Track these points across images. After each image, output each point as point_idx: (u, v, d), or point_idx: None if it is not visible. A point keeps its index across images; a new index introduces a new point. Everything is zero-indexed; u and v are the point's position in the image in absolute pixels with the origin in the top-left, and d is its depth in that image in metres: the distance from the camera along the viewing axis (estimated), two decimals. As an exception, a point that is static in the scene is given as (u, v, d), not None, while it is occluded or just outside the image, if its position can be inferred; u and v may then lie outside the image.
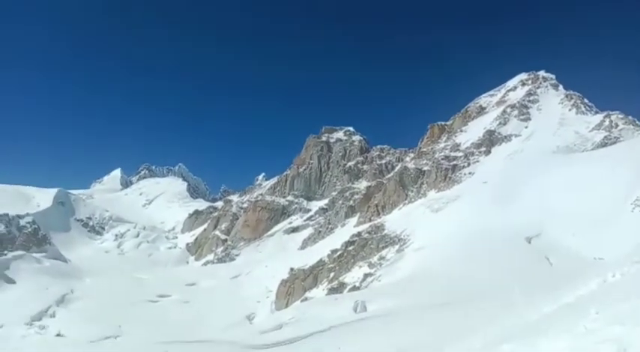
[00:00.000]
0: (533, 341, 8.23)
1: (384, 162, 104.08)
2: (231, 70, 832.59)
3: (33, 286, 76.86)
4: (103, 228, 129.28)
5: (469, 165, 74.33)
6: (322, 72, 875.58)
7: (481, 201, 57.25)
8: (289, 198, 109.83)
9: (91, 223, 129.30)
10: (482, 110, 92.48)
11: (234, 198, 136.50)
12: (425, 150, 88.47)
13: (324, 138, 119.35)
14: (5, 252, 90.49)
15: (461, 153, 78.51)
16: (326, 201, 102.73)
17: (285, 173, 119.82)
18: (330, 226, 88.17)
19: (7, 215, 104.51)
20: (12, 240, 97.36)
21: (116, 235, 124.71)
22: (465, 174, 72.12)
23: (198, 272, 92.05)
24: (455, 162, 76.11)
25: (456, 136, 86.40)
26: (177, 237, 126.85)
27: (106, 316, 63.86)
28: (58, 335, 60.94)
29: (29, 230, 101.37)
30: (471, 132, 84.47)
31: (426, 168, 79.80)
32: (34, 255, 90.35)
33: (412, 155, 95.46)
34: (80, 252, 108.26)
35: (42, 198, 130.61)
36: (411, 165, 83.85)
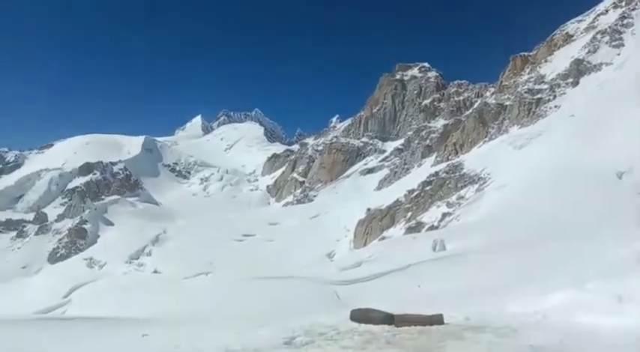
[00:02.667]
0: (622, 279, 8.00)
1: (462, 98, 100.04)
2: (301, 11, 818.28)
3: (129, 227, 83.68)
4: (189, 173, 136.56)
5: (555, 97, 69.66)
6: (394, 8, 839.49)
7: (568, 135, 53.94)
8: (364, 139, 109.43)
9: (177, 168, 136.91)
10: (569, 38, 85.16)
11: (310, 141, 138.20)
12: (506, 83, 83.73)
13: (397, 77, 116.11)
14: (102, 197, 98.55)
15: (546, 86, 73.57)
16: (401, 141, 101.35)
17: (359, 114, 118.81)
18: (406, 166, 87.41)
19: (101, 163, 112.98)
20: (107, 185, 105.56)
21: (201, 179, 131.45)
22: (550, 108, 67.83)
23: (279, 213, 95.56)
24: (539, 96, 71.61)
25: (540, 67, 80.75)
26: (257, 180, 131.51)
27: (197, 254, 68.62)
28: (154, 271, 66.68)
29: (122, 176, 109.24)
30: (556, 63, 78.46)
31: (507, 102, 75.89)
32: (128, 199, 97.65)
33: (492, 90, 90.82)
34: (169, 196, 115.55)
35: (131, 145, 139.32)
36: (491, 101, 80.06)
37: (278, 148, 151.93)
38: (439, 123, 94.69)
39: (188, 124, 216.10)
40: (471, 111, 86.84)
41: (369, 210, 68.95)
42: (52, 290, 60.16)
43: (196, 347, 8.31)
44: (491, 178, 54.70)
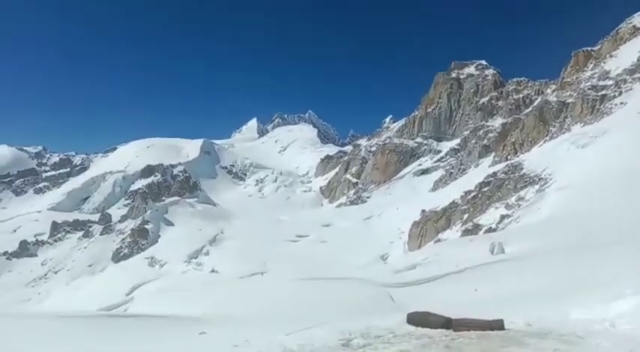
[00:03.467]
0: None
1: (521, 96, 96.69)
2: (354, 12, 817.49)
3: (188, 228, 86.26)
4: (245, 174, 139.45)
5: (620, 94, 66.04)
6: (448, 5, 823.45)
7: (635, 134, 51.06)
8: (418, 139, 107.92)
9: (234, 170, 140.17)
10: (636, 31, 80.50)
11: (363, 141, 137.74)
12: (568, 80, 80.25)
13: (453, 75, 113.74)
14: (163, 198, 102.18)
15: (611, 82, 69.89)
16: (457, 141, 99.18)
17: (412, 114, 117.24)
18: (462, 167, 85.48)
19: (162, 165, 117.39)
20: (168, 187, 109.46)
21: (257, 180, 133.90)
22: (615, 105, 64.37)
23: (333, 214, 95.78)
24: (604, 92, 68.13)
25: (604, 63, 76.85)
26: (311, 181, 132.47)
27: (252, 254, 69.82)
28: (212, 271, 68.38)
29: (181, 178, 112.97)
30: (622, 57, 74.35)
31: (569, 100, 72.73)
32: (187, 200, 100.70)
33: (554, 87, 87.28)
34: (226, 197, 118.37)
35: (190, 148, 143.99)
36: (552, 98, 76.98)
37: (331, 149, 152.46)
38: (497, 122, 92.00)
39: (244, 127, 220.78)
40: (530, 109, 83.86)
41: (423, 211, 67.89)
42: (115, 288, 62.93)
43: (254, 345, 8.44)
44: (553, 179, 52.60)
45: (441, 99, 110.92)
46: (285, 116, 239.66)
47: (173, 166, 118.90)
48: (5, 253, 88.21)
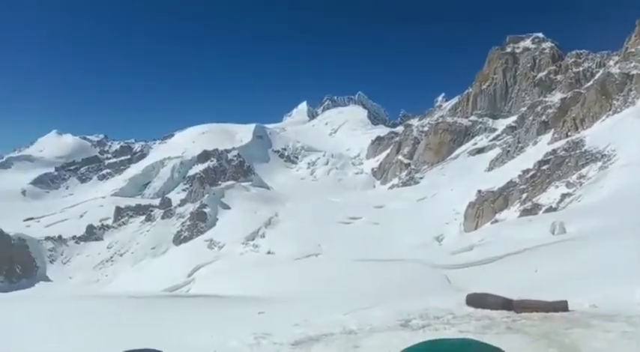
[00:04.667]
0: None
1: (581, 69, 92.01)
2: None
3: (244, 211, 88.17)
4: (297, 157, 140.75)
5: (694, 63, 61.77)
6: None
7: None
8: (472, 117, 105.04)
9: (286, 153, 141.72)
10: None
11: (414, 121, 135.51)
12: (632, 50, 75.54)
13: (508, 49, 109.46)
14: (219, 182, 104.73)
15: (683, 50, 65.42)
16: (514, 118, 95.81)
17: (466, 91, 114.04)
18: (519, 145, 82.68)
19: (217, 150, 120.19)
20: (223, 172, 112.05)
21: (308, 163, 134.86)
22: (687, 75, 60.30)
23: (385, 196, 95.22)
24: (674, 61, 63.93)
25: (675, 29, 71.90)
26: (362, 163, 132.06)
27: (307, 236, 70.67)
28: (268, 252, 69.79)
29: (236, 162, 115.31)
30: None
31: (634, 71, 68.63)
32: (242, 184, 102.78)
33: (617, 58, 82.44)
34: (279, 180, 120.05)
35: (243, 133, 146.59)
36: (615, 70, 72.84)
37: (382, 131, 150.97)
38: (556, 97, 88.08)
39: (294, 110, 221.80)
40: (592, 82, 79.77)
41: (479, 192, 66.36)
42: (177, 269, 65.46)
43: (313, 324, 8.63)
44: (617, 155, 50.15)
45: (496, 75, 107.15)
46: (335, 98, 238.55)
47: (228, 151, 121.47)
48: (74, 237, 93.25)
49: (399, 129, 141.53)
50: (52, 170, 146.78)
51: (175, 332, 8.86)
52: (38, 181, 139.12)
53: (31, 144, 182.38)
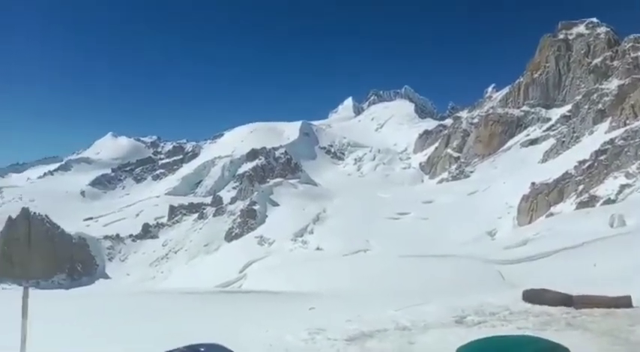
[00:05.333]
0: None
1: (639, 54, 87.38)
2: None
3: (292, 207, 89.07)
4: (343, 154, 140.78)
5: None
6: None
7: None
8: (524, 108, 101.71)
9: (332, 150, 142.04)
10: None
11: (463, 114, 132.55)
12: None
13: (561, 36, 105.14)
14: (268, 180, 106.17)
15: None
16: (568, 107, 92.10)
17: (517, 81, 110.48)
18: (574, 135, 79.50)
19: (265, 148, 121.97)
20: (271, 169, 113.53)
21: (355, 159, 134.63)
22: None
23: (434, 190, 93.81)
24: None
25: None
26: (410, 158, 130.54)
27: (355, 232, 70.63)
28: (317, 249, 70.24)
29: (283, 160, 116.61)
30: None
31: (702, 53, 64.70)
32: (290, 181, 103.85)
33: (681, 40, 77.92)
34: (326, 176, 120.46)
35: (290, 131, 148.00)
36: (680, 53, 68.91)
37: (430, 124, 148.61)
38: (613, 84, 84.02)
39: (340, 107, 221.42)
40: (652, 67, 75.73)
41: (533, 184, 64.25)
42: (229, 265, 66.85)
43: (366, 320, 8.64)
44: (683, 143, 47.45)
45: (549, 64, 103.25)
46: (381, 93, 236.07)
47: (275, 149, 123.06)
48: (131, 235, 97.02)
49: (448, 121, 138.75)
50: (108, 171, 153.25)
51: (231, 327, 9.09)
52: (96, 182, 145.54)
53: (88, 146, 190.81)
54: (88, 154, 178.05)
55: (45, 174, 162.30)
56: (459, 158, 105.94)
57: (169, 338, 8.70)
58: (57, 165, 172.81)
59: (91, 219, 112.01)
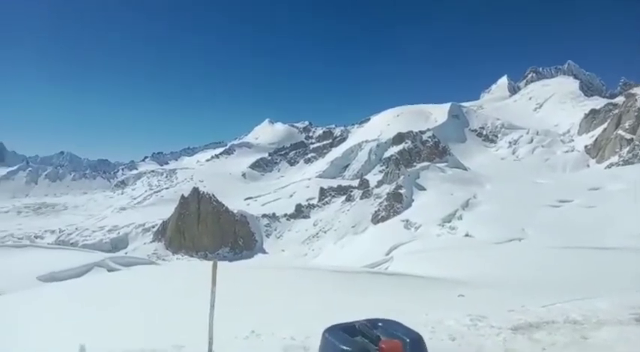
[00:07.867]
0: None
1: None
2: None
3: (440, 192, 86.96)
4: (496, 136, 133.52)
5: None
6: None
7: None
8: None
9: (484, 132, 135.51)
10: None
11: (638, 90, 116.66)
12: None
13: None
14: (414, 164, 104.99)
15: None
16: None
17: None
18: None
19: (411, 132, 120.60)
20: (418, 153, 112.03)
21: (510, 142, 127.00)
22: None
23: (602, 176, 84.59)
24: None
25: None
26: (573, 140, 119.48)
27: (509, 219, 66.71)
28: (466, 235, 67.77)
29: (431, 143, 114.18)
30: None
31: None
32: (438, 165, 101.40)
33: None
34: (477, 160, 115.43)
35: (438, 113, 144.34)
36: None
37: (597, 103, 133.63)
38: None
39: (493, 86, 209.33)
40: None
41: None
42: (375, 247, 67.71)
43: (531, 311, 8.20)
44: None
45: None
46: (540, 70, 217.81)
47: (422, 132, 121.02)
48: (285, 215, 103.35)
49: (619, 99, 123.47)
50: (265, 155, 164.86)
51: (394, 307, 9.21)
52: (255, 165, 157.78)
53: (248, 132, 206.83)
54: (248, 139, 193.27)
55: (212, 157, 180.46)
56: (632, 140, 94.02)
57: (325, 310, 9.19)
58: (222, 149, 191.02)
59: (250, 198, 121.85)
